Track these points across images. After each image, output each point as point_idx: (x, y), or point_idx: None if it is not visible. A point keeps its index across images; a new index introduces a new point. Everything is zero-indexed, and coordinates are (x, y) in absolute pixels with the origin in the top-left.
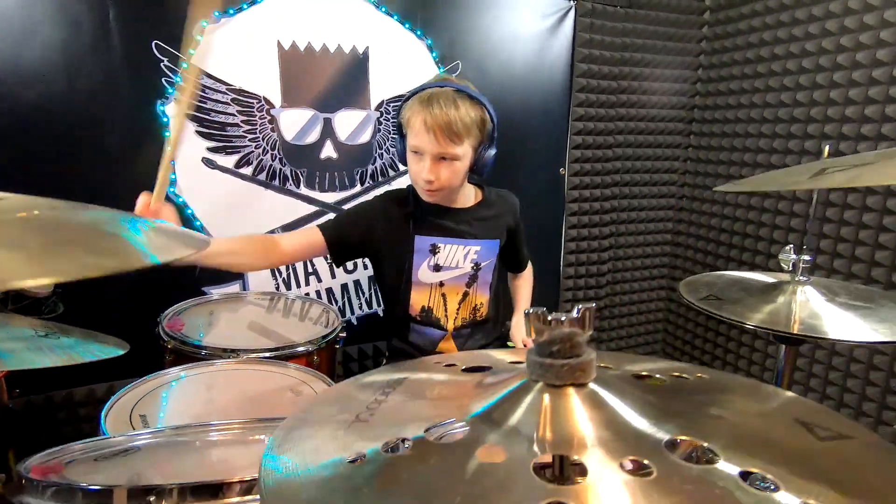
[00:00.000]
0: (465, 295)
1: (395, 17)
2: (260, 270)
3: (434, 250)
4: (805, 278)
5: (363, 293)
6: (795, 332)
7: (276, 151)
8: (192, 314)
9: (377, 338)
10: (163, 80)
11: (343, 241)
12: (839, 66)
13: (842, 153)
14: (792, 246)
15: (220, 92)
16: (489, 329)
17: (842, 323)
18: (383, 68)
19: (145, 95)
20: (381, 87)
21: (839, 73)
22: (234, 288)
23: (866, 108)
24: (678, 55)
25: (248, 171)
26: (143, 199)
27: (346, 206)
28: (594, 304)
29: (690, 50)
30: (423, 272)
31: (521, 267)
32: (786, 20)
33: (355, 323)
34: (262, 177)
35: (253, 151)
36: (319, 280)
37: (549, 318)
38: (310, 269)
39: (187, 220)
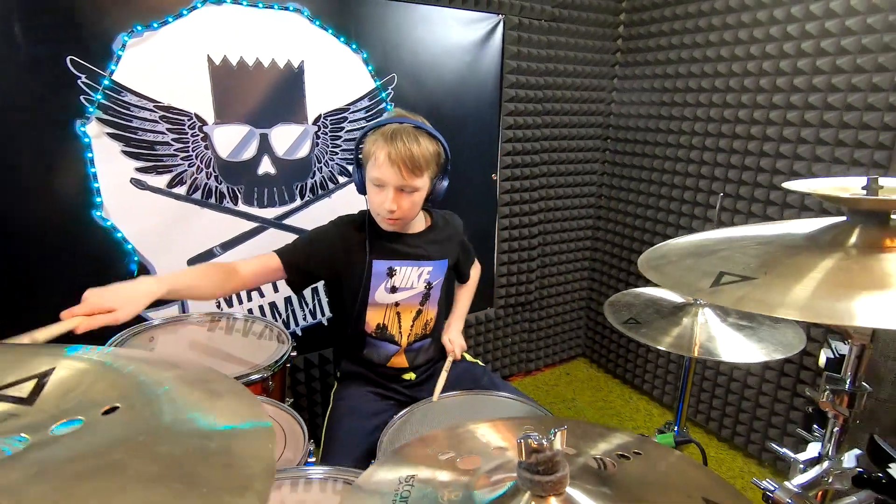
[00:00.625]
0: (419, 312)
1: (330, 31)
2: (219, 298)
3: (391, 273)
4: (702, 301)
5: (307, 304)
6: (696, 355)
7: (210, 169)
8: (132, 345)
9: (322, 346)
10: (81, 97)
11: (301, 267)
12: (748, 73)
13: (731, 195)
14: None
15: (147, 110)
16: (437, 339)
17: (732, 344)
18: (320, 82)
19: (62, 114)
20: (318, 100)
21: (749, 79)
22: (173, 309)
23: (771, 112)
24: (596, 66)
25: (181, 190)
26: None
27: (285, 221)
28: (565, 427)
29: (607, 60)
30: (379, 294)
31: (465, 279)
32: (691, 27)
33: (300, 334)
34: (198, 196)
35: (186, 170)
36: (262, 295)
37: (537, 444)
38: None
39: (117, 243)
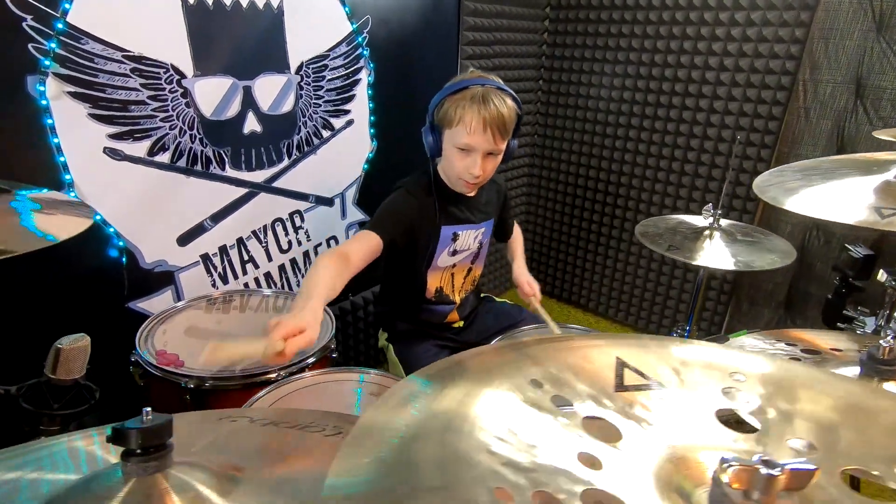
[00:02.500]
0: (469, 271)
1: None
2: None
3: (455, 238)
4: (716, 225)
5: (300, 270)
6: (733, 267)
7: (194, 131)
8: (169, 341)
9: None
10: (31, 47)
11: (394, 241)
12: (671, 50)
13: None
14: (711, 204)
15: (115, 61)
16: (478, 290)
17: (753, 255)
18: (299, 26)
19: (8, 69)
20: (299, 47)
21: (669, 64)
22: (166, 296)
23: (687, 99)
24: (528, 20)
25: (164, 158)
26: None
27: (275, 184)
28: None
29: (537, 15)
30: (441, 258)
31: (510, 234)
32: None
33: None
34: (183, 163)
35: (168, 133)
36: (257, 266)
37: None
38: (245, 258)
39: (95, 227)
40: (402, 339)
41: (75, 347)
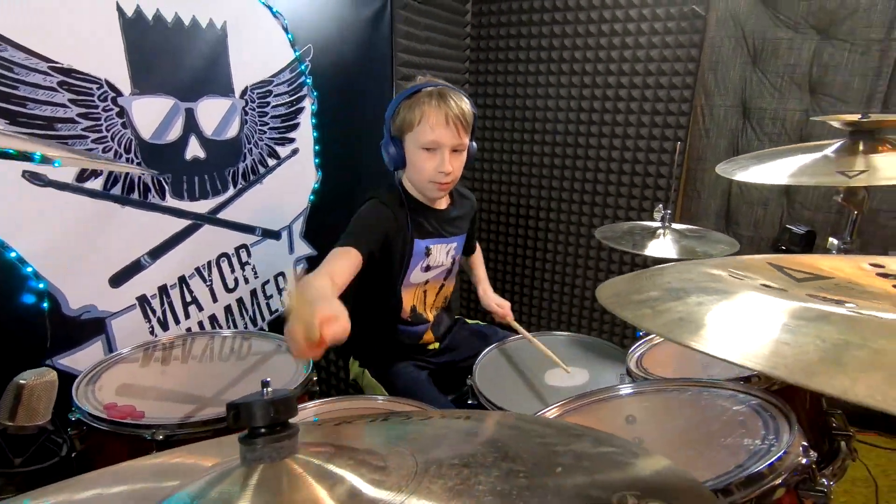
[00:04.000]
0: (441, 287)
1: None
2: None
3: (427, 252)
4: (666, 225)
5: (247, 312)
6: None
7: (132, 154)
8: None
9: None
10: None
11: (372, 255)
12: (585, 84)
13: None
14: (661, 204)
15: (40, 72)
16: (450, 308)
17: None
18: (243, 49)
19: None
20: (244, 71)
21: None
22: (96, 347)
23: (603, 127)
24: (450, 49)
25: (96, 184)
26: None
27: (220, 215)
28: None
29: (459, 45)
30: (415, 275)
31: (474, 250)
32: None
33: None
34: (117, 190)
35: (101, 157)
36: (201, 308)
37: None
38: (188, 299)
39: (10, 266)
40: (378, 361)
41: (41, 383)
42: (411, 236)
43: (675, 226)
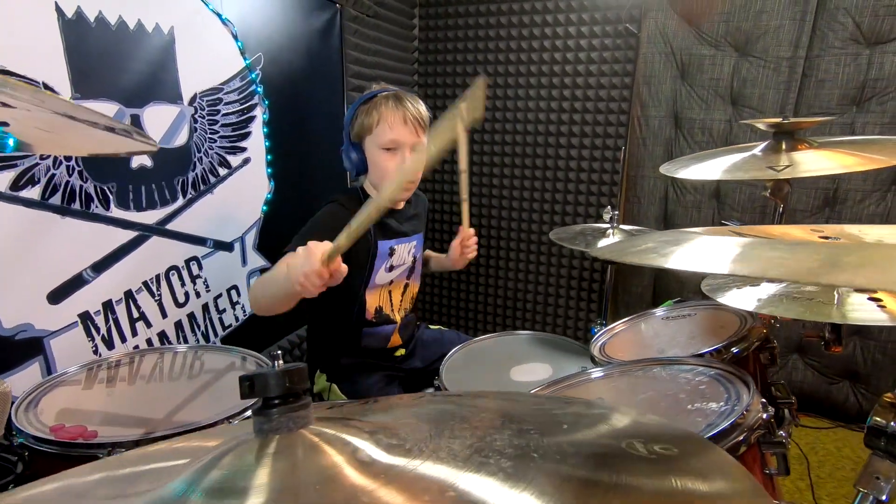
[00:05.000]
0: (406, 287)
1: None
2: None
3: (391, 252)
4: (615, 225)
5: (198, 327)
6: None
7: (72, 162)
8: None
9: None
10: None
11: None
12: (530, 97)
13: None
14: (610, 206)
15: None
16: (415, 310)
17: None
18: (192, 55)
19: None
20: (193, 77)
21: (531, 108)
22: (33, 370)
23: (550, 113)
24: (399, 62)
25: (33, 193)
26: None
27: (169, 226)
28: None
29: (408, 59)
30: (379, 275)
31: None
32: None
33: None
34: (56, 200)
35: (38, 164)
36: (149, 325)
37: None
38: (135, 315)
39: None
40: (346, 375)
41: None
42: (374, 238)
43: (623, 226)
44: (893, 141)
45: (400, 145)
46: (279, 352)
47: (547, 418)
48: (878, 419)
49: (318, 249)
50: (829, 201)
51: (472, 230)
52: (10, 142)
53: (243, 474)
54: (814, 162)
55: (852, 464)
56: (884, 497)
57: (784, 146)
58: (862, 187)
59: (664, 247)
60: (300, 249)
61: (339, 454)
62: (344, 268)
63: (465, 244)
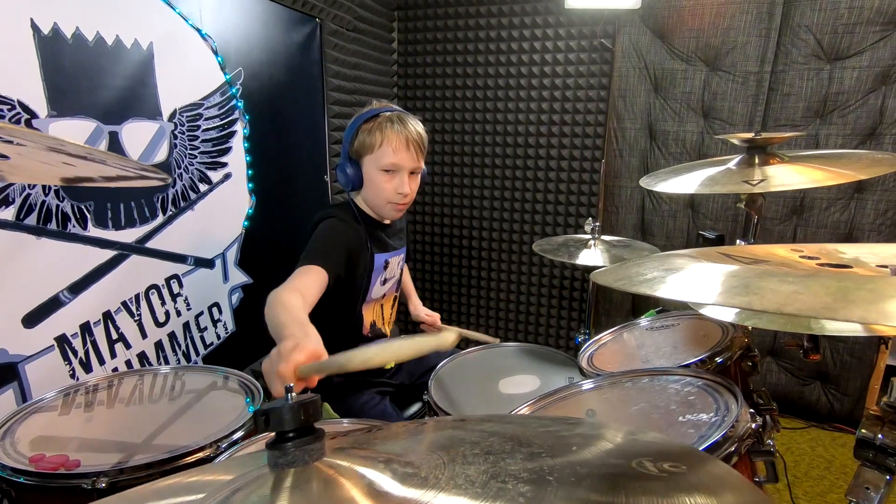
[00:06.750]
0: (395, 299)
1: (178, 11)
2: None
3: (386, 265)
4: (596, 236)
5: (179, 347)
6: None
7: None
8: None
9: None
10: None
11: (339, 275)
12: (509, 110)
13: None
14: (591, 218)
15: None
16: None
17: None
18: (171, 71)
19: None
20: (172, 93)
21: (510, 121)
22: (7, 397)
23: (529, 126)
24: (379, 75)
25: (7, 214)
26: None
27: (148, 245)
28: None
29: (387, 72)
30: (376, 289)
31: None
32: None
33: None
34: (32, 220)
35: (13, 184)
36: (128, 346)
37: None
38: (114, 336)
39: None
40: (339, 394)
41: None
42: (371, 252)
43: (604, 237)
44: (857, 155)
45: (400, 168)
46: (291, 384)
47: (555, 440)
48: (865, 432)
49: (299, 355)
50: (797, 209)
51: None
52: None
53: None
54: (786, 176)
55: (826, 462)
56: None
57: (757, 160)
58: (827, 196)
59: (669, 274)
60: (287, 343)
61: (354, 487)
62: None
63: (428, 322)
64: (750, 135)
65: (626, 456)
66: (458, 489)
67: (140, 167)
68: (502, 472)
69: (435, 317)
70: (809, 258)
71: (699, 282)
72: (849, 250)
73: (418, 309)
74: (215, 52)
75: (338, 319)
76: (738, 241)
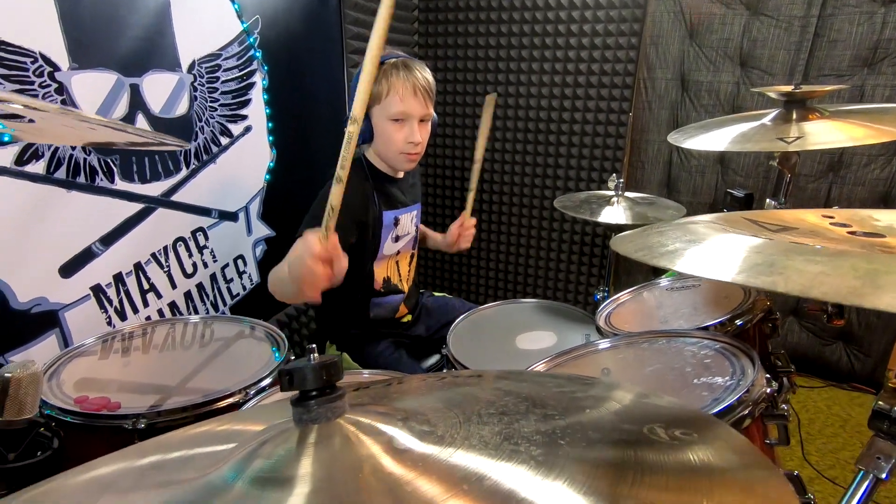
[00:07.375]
0: (413, 256)
1: None
2: None
3: (396, 223)
4: (619, 193)
5: (207, 297)
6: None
7: None
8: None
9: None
10: None
11: (348, 237)
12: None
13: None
14: (615, 174)
15: None
16: (416, 283)
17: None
18: (188, 21)
19: None
20: (190, 44)
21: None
22: (50, 342)
23: (555, 76)
24: (399, 21)
25: (38, 167)
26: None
27: (173, 198)
28: None
29: (408, 17)
30: (387, 246)
31: None
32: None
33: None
34: (62, 174)
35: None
36: (159, 296)
37: None
38: (145, 286)
39: None
40: (355, 344)
41: (27, 375)
42: (380, 209)
43: (628, 194)
44: None
45: (409, 117)
46: (314, 345)
47: (568, 401)
48: (882, 404)
49: (311, 233)
50: (834, 165)
51: (473, 220)
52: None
53: (287, 463)
54: (824, 133)
55: (841, 421)
56: (884, 476)
57: (794, 116)
58: (868, 151)
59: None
60: (298, 242)
61: (375, 443)
62: (344, 261)
63: (464, 232)
64: (789, 88)
65: (638, 421)
66: (472, 448)
67: (159, 137)
68: (515, 433)
69: (467, 223)
70: (841, 225)
71: (721, 257)
72: (883, 217)
73: (446, 236)
74: (232, 0)
75: (349, 276)
76: (767, 201)
